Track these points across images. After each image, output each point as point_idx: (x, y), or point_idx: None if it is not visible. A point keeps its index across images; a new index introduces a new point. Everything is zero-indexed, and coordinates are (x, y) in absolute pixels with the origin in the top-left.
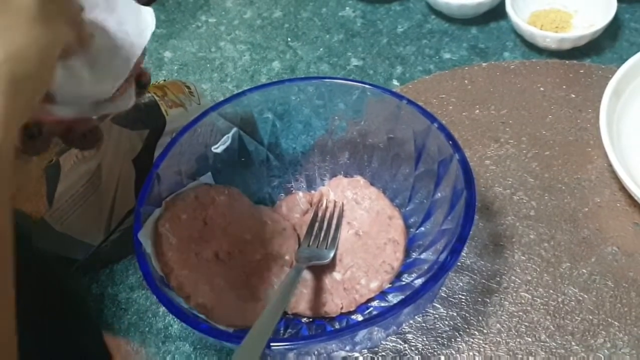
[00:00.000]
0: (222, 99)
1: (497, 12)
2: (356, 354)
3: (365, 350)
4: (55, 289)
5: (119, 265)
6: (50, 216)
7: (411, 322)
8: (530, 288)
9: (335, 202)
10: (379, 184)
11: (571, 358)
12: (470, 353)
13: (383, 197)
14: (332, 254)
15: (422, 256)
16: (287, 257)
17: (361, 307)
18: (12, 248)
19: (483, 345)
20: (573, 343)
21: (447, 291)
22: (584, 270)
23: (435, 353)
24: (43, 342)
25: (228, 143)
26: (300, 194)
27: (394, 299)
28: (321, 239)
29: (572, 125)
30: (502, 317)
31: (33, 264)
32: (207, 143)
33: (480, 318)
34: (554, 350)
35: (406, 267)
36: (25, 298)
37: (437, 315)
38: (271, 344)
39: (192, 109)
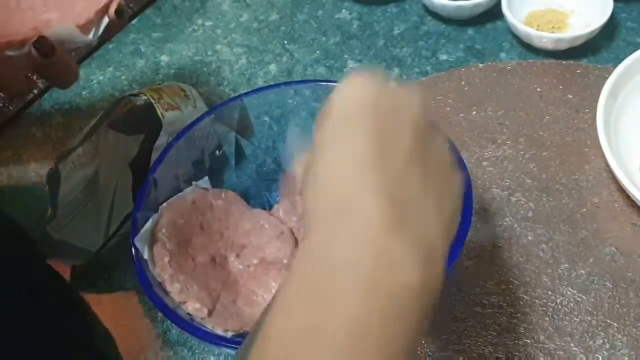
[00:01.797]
0: (219, 102)
1: (494, 13)
2: None
3: None
4: (61, 295)
5: (117, 271)
6: (50, 223)
7: None
8: (529, 289)
9: None
10: None
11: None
12: (469, 355)
13: None
14: None
15: None
16: (284, 261)
17: None
18: None
19: (482, 347)
20: (572, 344)
21: (446, 293)
22: (582, 271)
23: (433, 356)
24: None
25: (225, 147)
26: (298, 197)
27: None
28: None
29: (569, 126)
30: (501, 319)
31: (38, 269)
32: (204, 147)
33: (478, 320)
34: (553, 352)
35: None
36: (28, 303)
37: (435, 318)
38: None
39: (188, 112)
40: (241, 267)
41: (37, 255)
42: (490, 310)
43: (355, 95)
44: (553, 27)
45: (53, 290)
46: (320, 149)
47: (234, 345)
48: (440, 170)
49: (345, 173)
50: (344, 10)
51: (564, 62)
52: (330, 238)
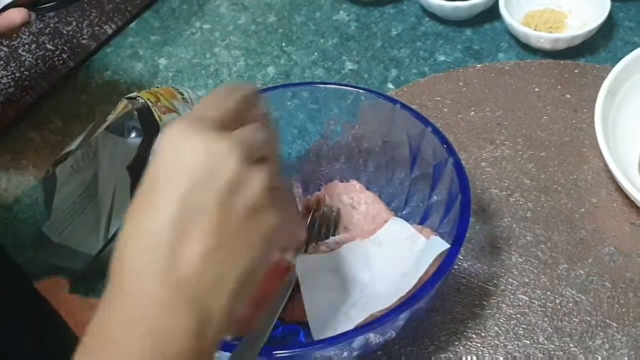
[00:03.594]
0: None
1: (491, 13)
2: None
3: (364, 354)
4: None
5: None
6: (48, 227)
7: (409, 326)
8: (528, 290)
9: (331, 207)
10: (375, 188)
11: None
12: (469, 357)
13: (379, 201)
14: None
15: None
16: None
17: None
18: None
19: (481, 348)
20: (571, 345)
21: (445, 294)
22: (581, 271)
23: (433, 357)
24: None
25: None
26: (297, 199)
27: None
28: (318, 244)
29: (567, 126)
30: (500, 320)
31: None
32: None
33: (477, 321)
34: (552, 353)
35: None
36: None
37: (434, 319)
38: (264, 352)
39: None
40: None
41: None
42: (489, 311)
43: (172, 155)
44: (551, 27)
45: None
46: (131, 212)
47: (233, 349)
48: (240, 235)
49: (138, 252)
50: (341, 12)
51: (561, 62)
52: (108, 314)
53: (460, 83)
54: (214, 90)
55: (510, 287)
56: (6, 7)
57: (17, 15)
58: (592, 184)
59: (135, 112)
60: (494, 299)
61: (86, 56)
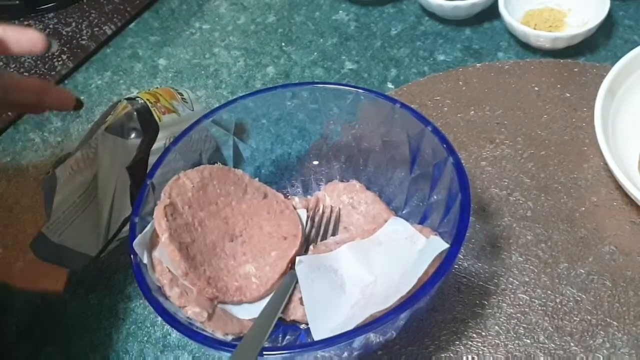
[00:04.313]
0: (217, 105)
1: (491, 13)
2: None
3: (364, 354)
4: None
5: (117, 275)
6: (47, 228)
7: (409, 325)
8: (528, 289)
9: (331, 207)
10: (375, 188)
11: (570, 359)
12: (469, 356)
13: (379, 201)
14: None
15: None
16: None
17: None
18: None
19: (482, 348)
20: (572, 344)
21: (445, 294)
22: (581, 270)
23: (434, 357)
24: None
25: (223, 150)
26: (297, 199)
27: None
28: (317, 244)
29: (567, 125)
30: (500, 319)
31: None
32: (202, 150)
33: (478, 320)
34: (553, 352)
35: None
36: None
37: (435, 319)
38: (265, 352)
39: (185, 115)
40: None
41: None
42: (489, 310)
43: None
44: (550, 26)
45: None
46: None
47: (233, 350)
48: None
49: None
50: (341, 12)
51: (561, 61)
52: None
53: (460, 82)
54: None
55: (510, 286)
56: None
57: (39, 45)
58: (592, 183)
59: (135, 113)
60: (494, 299)
61: (86, 57)
